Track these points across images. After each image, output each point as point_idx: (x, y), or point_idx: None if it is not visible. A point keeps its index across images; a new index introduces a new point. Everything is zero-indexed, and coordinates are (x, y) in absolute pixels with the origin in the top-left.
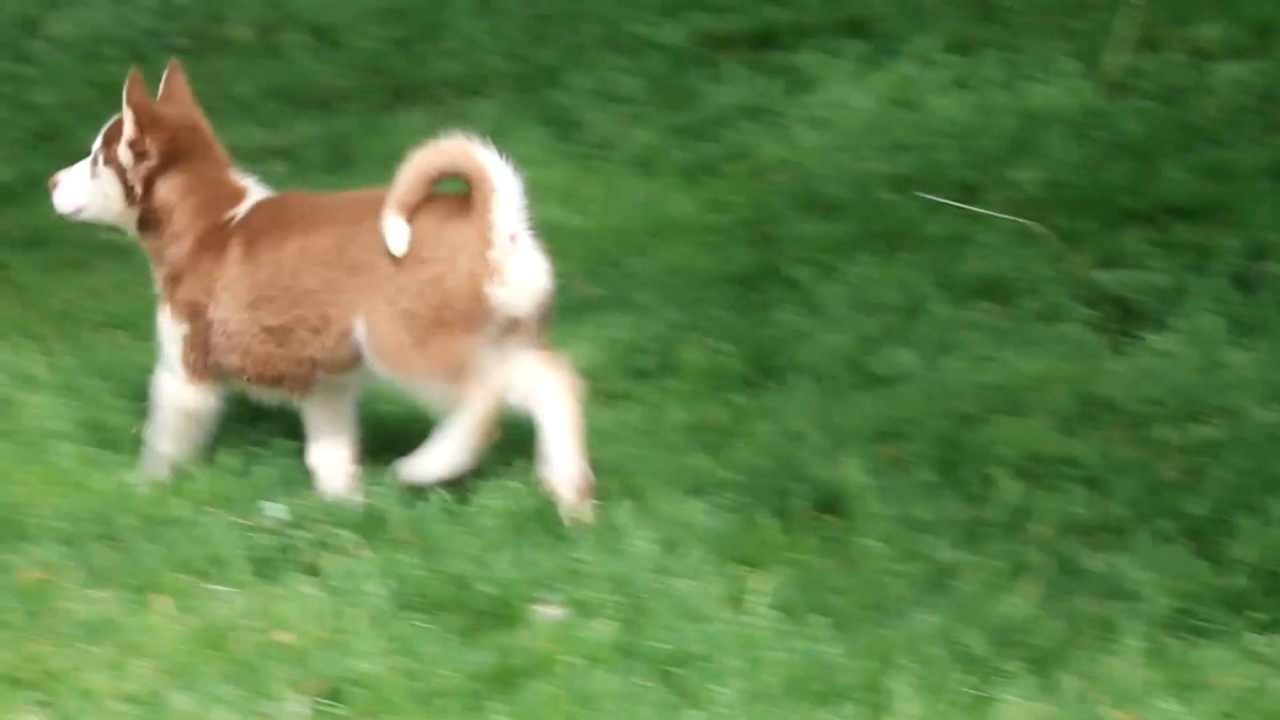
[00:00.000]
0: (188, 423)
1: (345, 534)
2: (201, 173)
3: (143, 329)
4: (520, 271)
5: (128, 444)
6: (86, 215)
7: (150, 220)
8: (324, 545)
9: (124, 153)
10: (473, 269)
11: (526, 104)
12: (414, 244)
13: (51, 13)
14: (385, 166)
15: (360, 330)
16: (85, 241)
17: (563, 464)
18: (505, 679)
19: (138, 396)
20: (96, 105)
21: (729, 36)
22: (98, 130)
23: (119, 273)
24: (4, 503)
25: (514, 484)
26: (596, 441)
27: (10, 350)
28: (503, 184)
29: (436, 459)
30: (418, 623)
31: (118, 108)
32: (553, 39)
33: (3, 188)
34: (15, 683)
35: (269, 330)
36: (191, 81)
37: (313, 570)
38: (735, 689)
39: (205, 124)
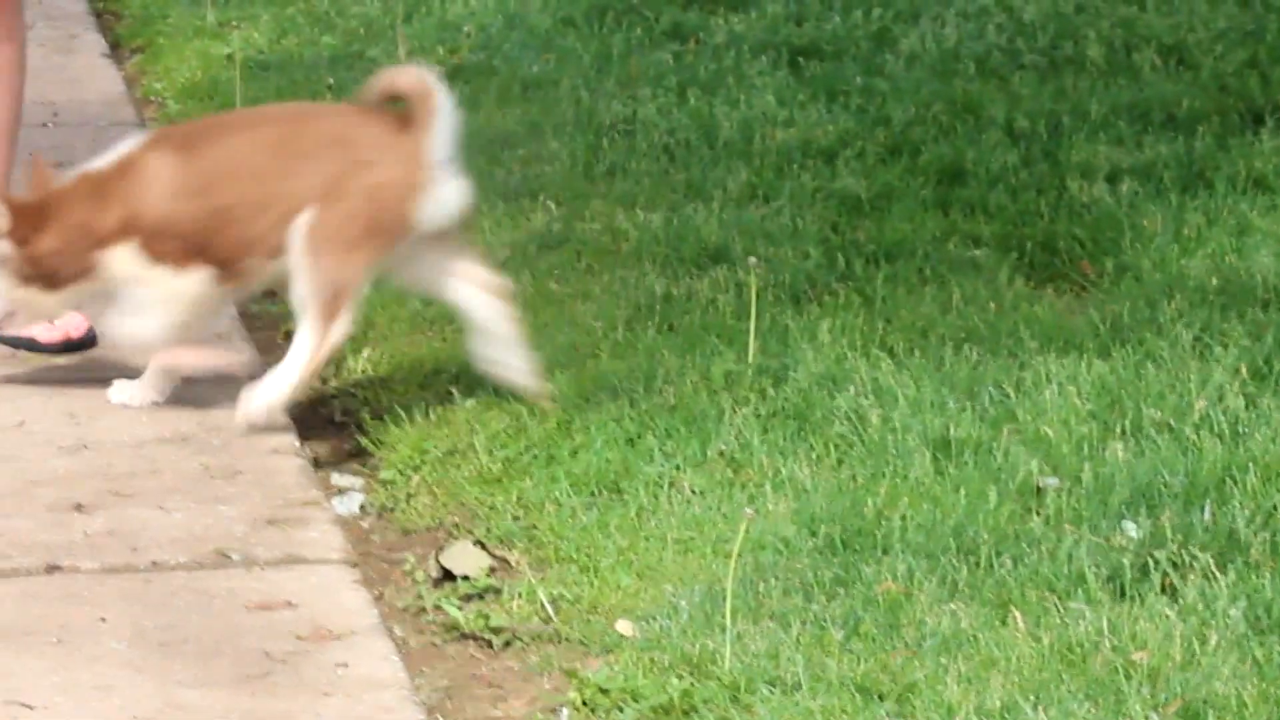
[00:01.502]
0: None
1: (1202, 555)
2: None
3: (996, 344)
4: (444, 193)
5: (978, 459)
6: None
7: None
8: (1179, 565)
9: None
10: (407, 184)
11: None
12: (358, 145)
13: (906, 28)
14: (1241, 189)
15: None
16: (937, 255)
17: (511, 358)
18: None
19: (985, 413)
20: (948, 121)
21: None
22: (952, 146)
23: (971, 287)
24: (862, 515)
25: None
26: None
27: (866, 363)
28: (444, 109)
29: (273, 388)
30: (1276, 646)
31: (968, 123)
32: None
33: (856, 200)
34: (873, 694)
35: None
36: (1042, 99)
37: (1169, 590)
38: None
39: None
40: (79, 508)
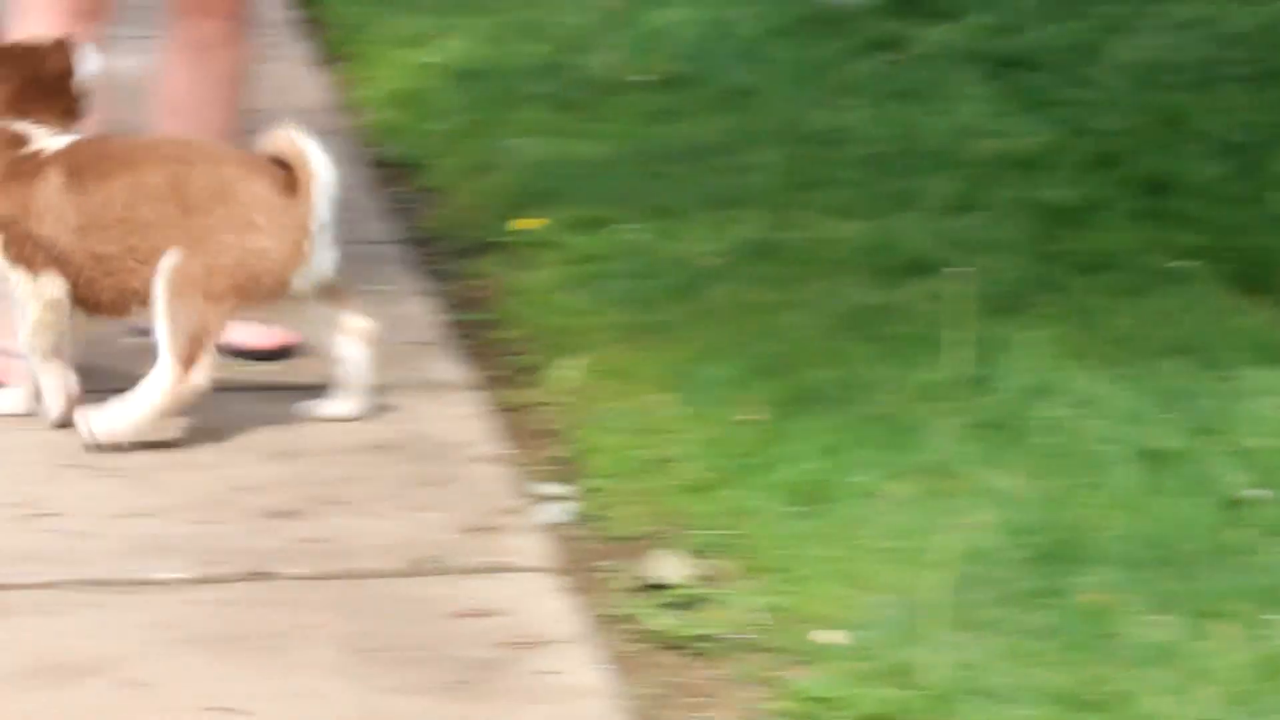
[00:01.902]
0: None
1: None
2: None
3: (1203, 355)
4: (318, 261)
5: (1184, 471)
6: None
7: None
8: None
9: None
10: (290, 254)
11: None
12: (241, 202)
13: (1111, 39)
14: None
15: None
16: (1146, 266)
17: (352, 396)
18: None
19: (1191, 424)
20: (1154, 132)
21: None
22: (1158, 157)
23: (1178, 298)
24: (1064, 525)
25: None
26: None
27: (1072, 374)
28: (323, 174)
29: (118, 417)
30: None
31: (1174, 134)
32: None
33: (1064, 211)
34: (1079, 704)
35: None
36: (1249, 110)
37: None
38: None
39: None
40: (287, 514)
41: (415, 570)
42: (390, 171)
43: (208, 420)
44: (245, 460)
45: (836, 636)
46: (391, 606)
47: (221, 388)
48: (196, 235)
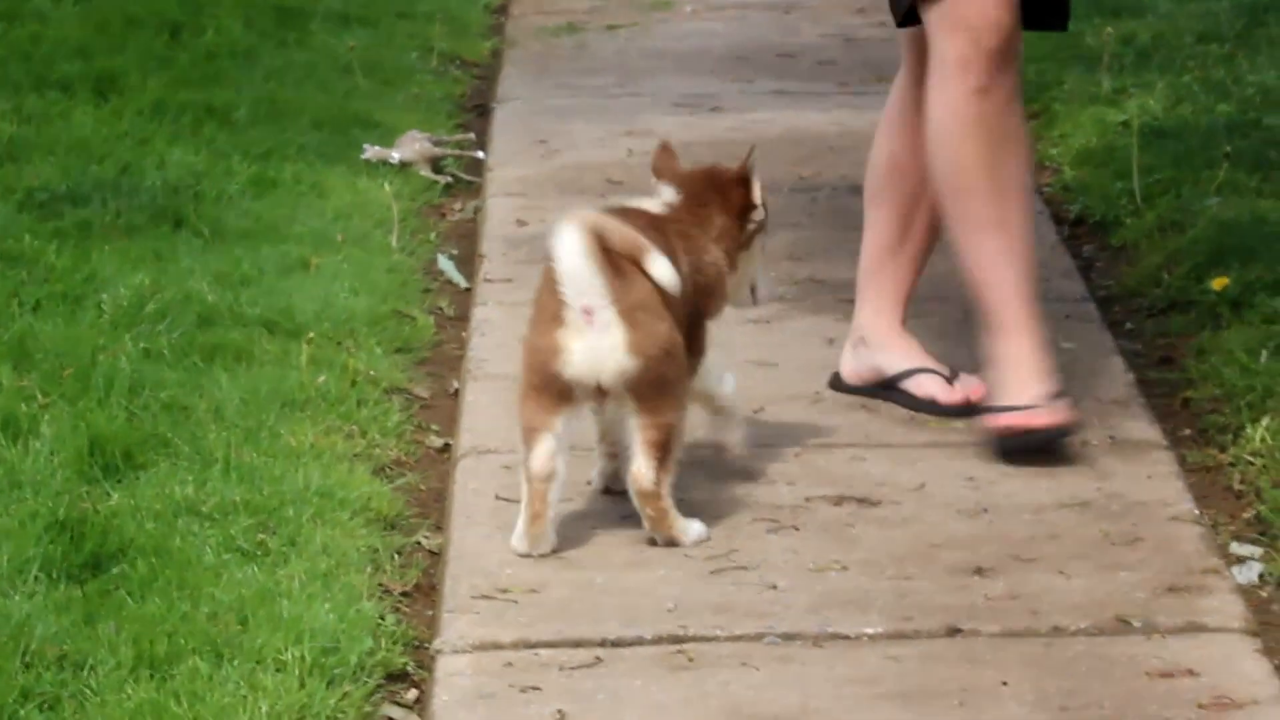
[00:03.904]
0: None
1: None
2: None
3: None
4: (588, 348)
5: None
6: None
7: None
8: None
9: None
10: (545, 344)
11: None
12: (539, 302)
13: None
14: None
15: None
16: None
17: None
18: None
19: None
20: None
21: None
22: None
23: None
24: None
25: None
26: None
27: None
28: (566, 262)
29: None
30: None
31: None
32: None
33: None
34: None
35: None
36: None
37: None
38: None
39: None
40: (979, 571)
41: (1111, 629)
42: (1080, 229)
43: (899, 476)
44: (937, 516)
45: None
46: (1085, 665)
47: (913, 444)
48: None
